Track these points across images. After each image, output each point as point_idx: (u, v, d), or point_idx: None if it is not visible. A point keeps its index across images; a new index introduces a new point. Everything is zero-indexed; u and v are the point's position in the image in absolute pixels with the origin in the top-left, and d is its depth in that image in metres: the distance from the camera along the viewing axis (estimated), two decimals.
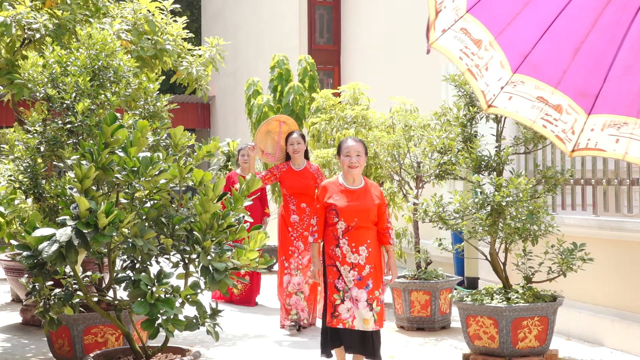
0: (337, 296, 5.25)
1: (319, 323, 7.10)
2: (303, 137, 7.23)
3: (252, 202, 8.43)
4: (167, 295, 4.20)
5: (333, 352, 5.38)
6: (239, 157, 8.76)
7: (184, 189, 4.57)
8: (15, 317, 7.98)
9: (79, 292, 4.55)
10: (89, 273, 4.83)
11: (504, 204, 5.71)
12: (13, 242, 4.51)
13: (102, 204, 4.04)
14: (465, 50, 3.15)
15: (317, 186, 7.02)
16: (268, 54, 12.57)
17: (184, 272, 4.46)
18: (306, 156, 7.30)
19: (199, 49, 7.81)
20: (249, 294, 8.70)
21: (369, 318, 5.22)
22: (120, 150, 4.26)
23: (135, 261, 4.35)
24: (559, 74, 3.15)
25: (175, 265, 4.47)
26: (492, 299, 5.84)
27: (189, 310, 4.57)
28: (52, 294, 4.47)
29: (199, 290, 4.38)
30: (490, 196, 5.76)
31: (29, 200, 6.22)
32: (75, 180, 4.12)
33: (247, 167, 7.05)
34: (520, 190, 5.71)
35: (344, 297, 5.22)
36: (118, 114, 4.79)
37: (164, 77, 7.18)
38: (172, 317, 4.15)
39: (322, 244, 5.40)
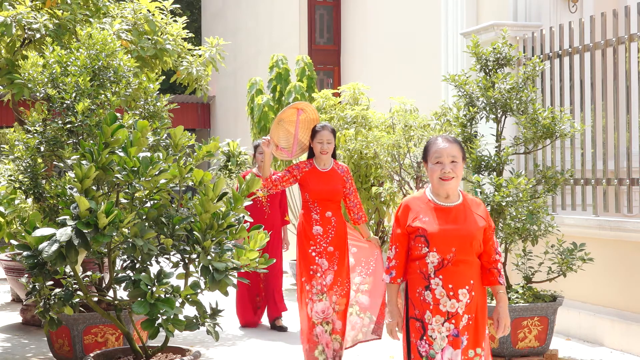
0: None
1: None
2: (334, 132, 5.95)
3: (270, 211, 7.60)
4: (167, 295, 4.20)
5: None
6: (256, 153, 7.66)
7: (184, 189, 4.57)
8: (15, 317, 7.98)
9: (79, 292, 4.55)
10: (89, 273, 4.83)
11: (504, 204, 5.71)
12: (13, 242, 4.51)
13: (102, 204, 4.04)
14: None
15: (346, 192, 5.98)
16: (268, 53, 12.57)
17: (184, 272, 4.46)
18: (333, 155, 6.00)
19: (199, 49, 7.82)
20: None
21: None
22: (120, 150, 4.27)
23: (135, 261, 4.35)
24: None
25: (175, 265, 4.47)
26: (492, 299, 5.85)
27: (189, 310, 4.57)
28: (52, 293, 4.47)
29: (199, 290, 4.38)
30: (490, 196, 5.76)
31: (29, 200, 6.22)
32: (75, 180, 4.12)
33: (263, 166, 5.99)
34: (520, 190, 5.71)
35: None
36: (118, 114, 4.78)
37: (164, 77, 7.18)
38: (172, 317, 4.15)
39: (403, 285, 3.90)
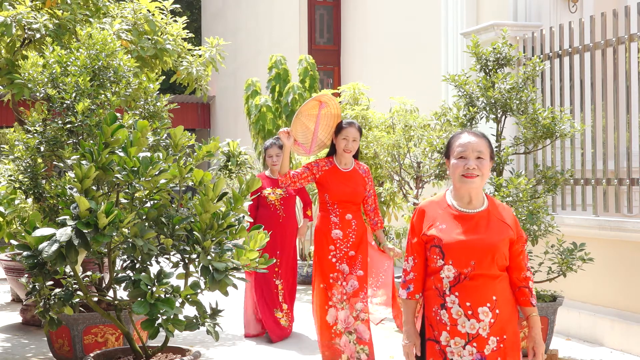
0: None
1: None
2: (361, 131, 5.60)
3: (284, 215, 7.05)
4: (167, 295, 4.20)
5: None
6: (266, 157, 7.05)
7: (184, 189, 4.57)
8: (15, 317, 7.98)
9: (79, 292, 4.55)
10: (89, 273, 4.83)
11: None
12: (13, 242, 4.51)
13: (102, 204, 4.04)
14: None
15: (365, 193, 5.69)
16: (268, 53, 12.58)
17: (184, 272, 4.46)
18: (355, 155, 5.70)
19: (199, 49, 7.82)
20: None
21: None
22: (120, 150, 4.27)
23: (135, 261, 4.35)
24: None
25: (175, 265, 4.47)
26: None
27: (189, 310, 4.57)
28: (52, 294, 4.47)
29: (199, 290, 4.38)
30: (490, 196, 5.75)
31: (29, 200, 6.22)
32: (75, 180, 4.12)
33: (276, 168, 5.51)
34: (520, 190, 5.71)
35: None
36: (118, 114, 4.78)
37: (164, 77, 7.18)
38: (172, 317, 4.15)
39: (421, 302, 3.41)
